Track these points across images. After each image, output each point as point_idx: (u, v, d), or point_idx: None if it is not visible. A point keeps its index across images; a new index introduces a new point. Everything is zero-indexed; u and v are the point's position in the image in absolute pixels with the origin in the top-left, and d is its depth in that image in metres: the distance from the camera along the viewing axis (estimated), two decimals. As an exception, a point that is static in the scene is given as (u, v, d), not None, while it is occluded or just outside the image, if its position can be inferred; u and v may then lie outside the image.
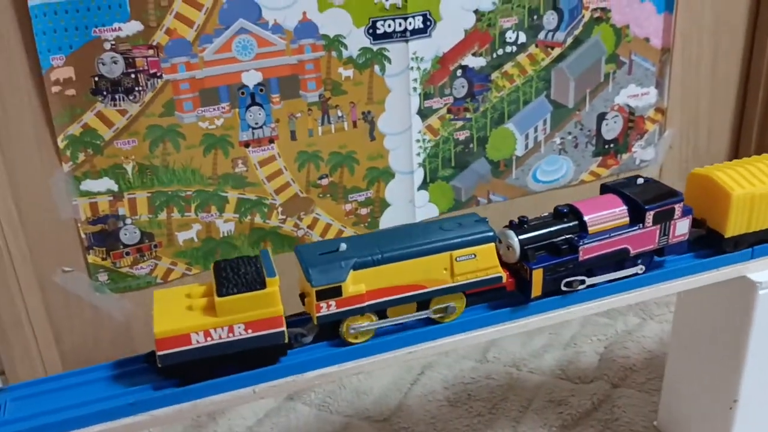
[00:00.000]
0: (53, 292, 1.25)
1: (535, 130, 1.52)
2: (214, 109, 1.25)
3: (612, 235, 0.86)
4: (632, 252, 0.88)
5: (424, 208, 1.48)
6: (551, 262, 0.84)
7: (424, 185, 1.46)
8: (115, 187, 1.24)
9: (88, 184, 1.22)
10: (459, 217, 0.84)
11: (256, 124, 1.29)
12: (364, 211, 1.44)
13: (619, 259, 0.87)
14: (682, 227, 0.89)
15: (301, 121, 1.32)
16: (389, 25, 1.31)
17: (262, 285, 0.73)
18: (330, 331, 0.79)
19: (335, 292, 0.76)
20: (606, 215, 0.87)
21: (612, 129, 1.58)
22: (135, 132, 1.21)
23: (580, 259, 0.85)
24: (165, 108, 1.22)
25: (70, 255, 1.25)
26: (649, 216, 0.87)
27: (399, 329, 0.81)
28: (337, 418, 1.20)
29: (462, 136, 1.45)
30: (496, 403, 1.21)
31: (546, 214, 0.88)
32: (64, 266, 1.25)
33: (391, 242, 0.79)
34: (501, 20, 1.39)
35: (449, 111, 1.42)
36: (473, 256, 0.80)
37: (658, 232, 0.88)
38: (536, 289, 0.84)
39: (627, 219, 0.88)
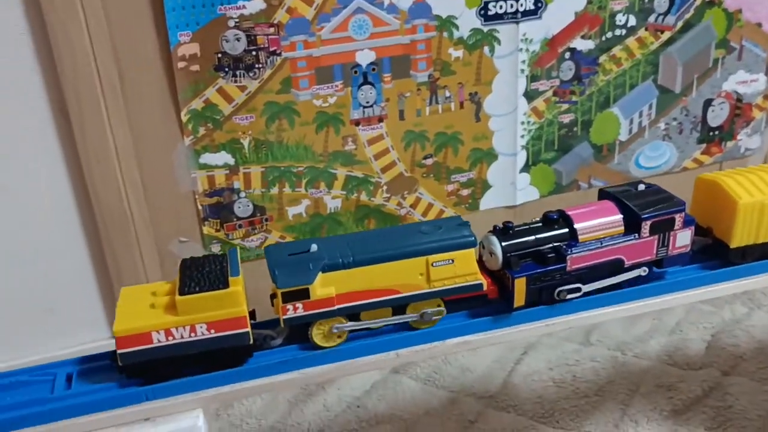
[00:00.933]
0: (170, 261, 1.30)
1: (640, 115, 1.50)
2: (328, 87, 1.28)
3: (604, 244, 0.81)
4: (627, 263, 0.83)
5: (525, 191, 1.48)
6: (535, 271, 0.79)
7: (526, 168, 1.46)
8: (232, 161, 1.28)
9: (206, 158, 1.26)
10: (441, 220, 0.81)
11: (367, 102, 1.31)
12: (465, 192, 1.45)
13: (613, 271, 0.83)
14: (683, 238, 0.83)
15: (409, 100, 1.34)
16: (501, 6, 1.31)
17: (225, 284, 0.71)
18: (301, 334, 0.77)
19: (302, 294, 0.73)
20: (599, 224, 0.82)
21: (718, 116, 1.55)
22: (253, 108, 1.25)
23: (568, 268, 0.80)
24: (282, 85, 1.25)
25: (187, 226, 1.29)
26: (646, 226, 0.81)
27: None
28: (443, 392, 1.22)
29: (566, 119, 1.45)
30: (602, 386, 1.21)
31: (536, 219, 0.83)
32: (181, 236, 1.30)
33: (365, 245, 0.77)
34: (612, 3, 1.38)
35: (555, 93, 1.42)
36: (450, 261, 0.76)
37: (656, 242, 0.83)
38: (519, 299, 0.80)
39: (622, 228, 0.82)
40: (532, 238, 0.80)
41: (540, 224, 0.82)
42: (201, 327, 0.71)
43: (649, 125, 1.51)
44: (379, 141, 1.35)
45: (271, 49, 1.22)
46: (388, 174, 1.38)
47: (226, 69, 1.21)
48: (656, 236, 0.82)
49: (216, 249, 1.33)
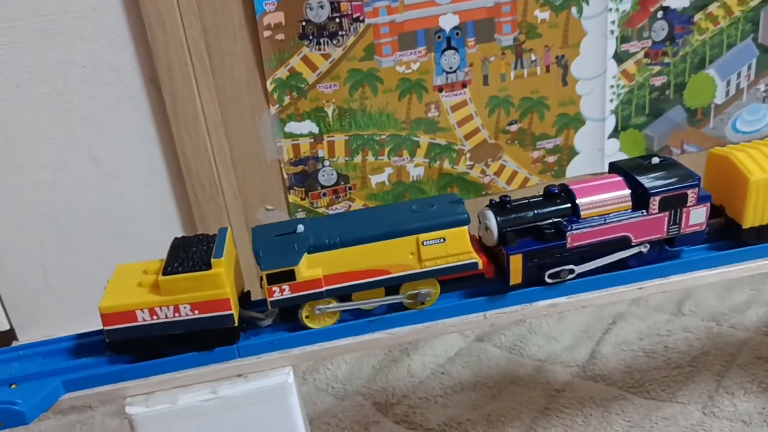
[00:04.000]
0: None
1: (738, 77, 1.42)
2: (411, 53, 1.27)
3: (608, 221, 0.76)
4: (634, 241, 0.77)
5: (614, 157, 1.43)
6: (532, 247, 0.75)
7: (615, 133, 1.42)
8: (316, 130, 1.29)
9: (291, 126, 1.28)
10: (435, 198, 0.78)
11: (450, 68, 1.29)
12: (551, 158, 1.41)
13: (619, 249, 0.77)
14: (697, 216, 0.77)
15: (494, 65, 1.31)
16: (589, -35, 1.27)
17: (207, 266, 0.70)
18: (291, 315, 0.75)
19: (287, 276, 0.71)
20: (604, 199, 0.76)
21: (825, 75, 1.45)
22: (336, 76, 1.25)
23: (568, 245, 0.75)
24: (365, 52, 1.25)
25: (273, 194, 1.32)
26: (654, 201, 0.75)
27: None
28: (529, 361, 1.20)
29: (658, 81, 1.39)
30: (695, 356, 1.16)
31: (538, 194, 0.78)
32: (267, 204, 1.32)
33: (353, 224, 0.74)
34: (708, -43, 1.31)
35: (646, 55, 1.36)
36: (442, 240, 0.73)
37: (666, 219, 0.77)
38: (515, 277, 0.75)
39: (629, 204, 0.77)
40: (531, 213, 0.76)
41: (541, 199, 0.77)
42: (185, 307, 0.71)
43: (747, 87, 1.43)
44: (462, 107, 1.33)
45: (355, 16, 1.22)
46: (471, 141, 1.36)
47: (310, 37, 1.22)
48: (667, 213, 0.76)
49: (302, 217, 1.35)
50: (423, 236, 0.73)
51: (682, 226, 0.77)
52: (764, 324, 1.22)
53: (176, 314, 0.71)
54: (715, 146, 0.85)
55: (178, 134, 1.18)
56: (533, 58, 1.32)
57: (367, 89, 1.27)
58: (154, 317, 0.71)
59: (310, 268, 0.72)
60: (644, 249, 0.78)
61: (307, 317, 0.75)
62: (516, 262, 0.74)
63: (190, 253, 0.72)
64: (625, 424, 1.05)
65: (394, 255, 0.73)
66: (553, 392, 1.13)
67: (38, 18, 1.10)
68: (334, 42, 1.23)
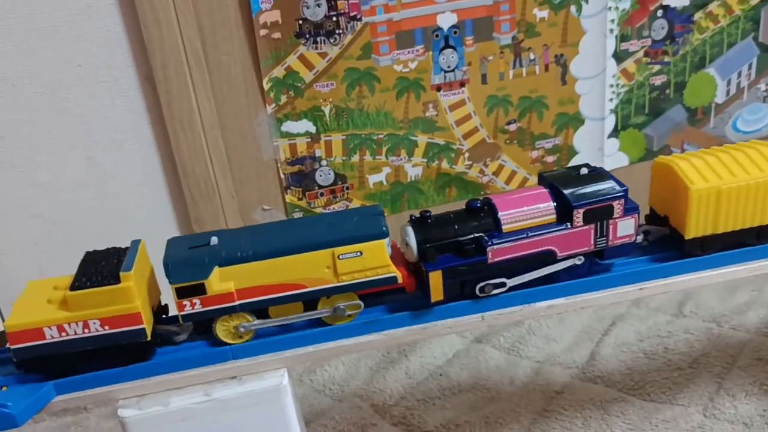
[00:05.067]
0: (254, 229, 1.32)
1: (739, 76, 1.41)
2: (409, 52, 1.26)
3: (531, 234, 0.74)
4: (560, 255, 0.75)
5: (613, 157, 1.43)
6: (452, 264, 0.73)
7: (614, 133, 1.41)
8: (313, 129, 1.28)
9: (288, 126, 1.27)
10: (357, 209, 0.77)
11: (449, 67, 1.28)
12: (550, 158, 1.40)
13: (545, 263, 0.75)
14: (625, 228, 0.75)
15: (492, 64, 1.30)
16: (588, -37, 1.26)
17: (116, 280, 0.68)
18: (206, 329, 0.73)
19: (198, 289, 0.69)
20: (526, 212, 0.74)
21: (826, 74, 1.44)
22: (333, 75, 1.24)
23: (490, 261, 0.73)
24: (363, 51, 1.24)
25: (270, 194, 1.31)
26: (578, 214, 0.73)
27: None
28: (528, 362, 1.19)
29: (658, 80, 1.38)
30: (696, 358, 1.15)
31: (460, 209, 0.76)
32: (264, 204, 1.31)
33: (268, 237, 0.72)
34: (709, -45, 1.30)
35: (646, 54, 1.35)
36: (359, 253, 0.71)
37: (593, 232, 0.75)
38: (436, 294, 0.73)
39: (554, 217, 0.74)
40: (452, 228, 0.74)
41: (463, 214, 0.75)
42: (94, 323, 0.69)
43: (748, 86, 1.42)
44: (461, 106, 1.32)
45: (352, 14, 1.21)
46: (470, 140, 1.35)
47: (307, 36, 1.21)
48: (592, 225, 0.74)
49: (298, 216, 1.34)
50: (338, 250, 0.71)
51: (610, 238, 0.75)
52: (765, 325, 1.21)
53: (86, 330, 0.69)
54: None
55: (173, 133, 1.17)
56: (532, 57, 1.31)
57: (364, 88, 1.26)
58: (63, 334, 0.69)
59: (221, 281, 0.70)
60: (578, 261, 0.76)
61: (223, 329, 0.73)
62: (435, 278, 0.73)
63: (99, 267, 0.70)
64: (624, 427, 1.04)
65: (309, 269, 0.71)
66: (552, 394, 1.12)
67: (33, 16, 1.09)
68: (331, 40, 1.22)
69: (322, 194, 1.33)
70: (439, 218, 0.75)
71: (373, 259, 0.72)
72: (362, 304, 0.74)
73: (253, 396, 0.73)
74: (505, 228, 0.74)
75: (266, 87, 1.23)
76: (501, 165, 1.38)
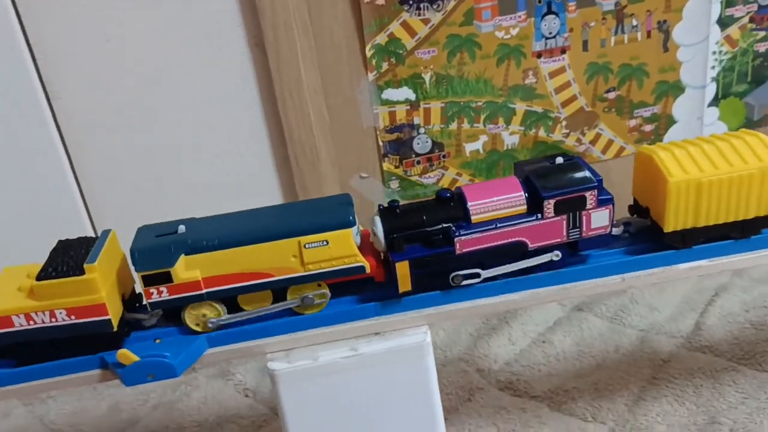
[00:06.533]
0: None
1: None
2: (511, 18, 1.25)
3: (499, 225, 0.73)
4: (531, 246, 0.74)
5: (713, 126, 1.40)
6: (419, 254, 0.72)
7: (714, 101, 1.38)
8: (413, 97, 1.28)
9: (388, 93, 1.27)
10: (326, 198, 0.76)
11: (550, 33, 1.27)
12: (648, 127, 1.38)
13: (517, 255, 0.74)
14: (599, 219, 0.74)
15: (594, 30, 1.28)
16: (698, -75, 1.23)
17: (80, 271, 0.69)
18: (175, 317, 0.74)
19: (164, 277, 0.70)
20: (495, 202, 0.73)
21: None
22: (435, 41, 1.24)
23: (458, 252, 0.72)
24: (465, 17, 1.23)
25: (368, 161, 1.31)
26: (549, 205, 0.72)
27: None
28: (632, 331, 1.18)
29: (763, 47, 1.34)
30: (807, 329, 1.14)
31: (430, 198, 0.76)
32: (361, 172, 1.32)
33: (235, 225, 0.72)
34: None
35: (752, 20, 1.32)
36: (325, 242, 0.71)
37: (565, 223, 0.73)
38: (404, 284, 0.73)
39: (524, 207, 0.73)
40: (420, 218, 0.73)
41: (433, 203, 0.74)
42: (60, 313, 0.70)
43: None
44: (560, 74, 1.31)
45: (456, -20, 1.20)
46: (568, 108, 1.34)
47: (411, 2, 1.20)
48: (564, 216, 0.73)
49: (394, 186, 1.34)
50: (304, 239, 0.71)
51: (584, 229, 0.74)
52: None
53: (53, 319, 0.70)
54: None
55: (281, 99, 1.18)
56: (634, 23, 1.29)
57: (465, 55, 1.26)
58: (31, 323, 0.70)
59: (188, 270, 0.71)
60: (555, 257, 0.75)
61: (191, 316, 0.73)
62: (402, 268, 0.72)
63: (67, 258, 0.71)
64: (738, 396, 1.03)
65: (275, 257, 0.71)
66: (660, 362, 1.11)
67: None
68: (434, 6, 1.21)
69: (418, 162, 1.34)
70: (407, 208, 0.74)
71: (340, 249, 0.72)
72: (329, 293, 0.74)
73: (398, 352, 0.74)
74: (473, 218, 0.73)
75: (368, 54, 1.23)
76: (598, 134, 1.37)
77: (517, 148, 1.35)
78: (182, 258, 0.70)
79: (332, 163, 1.28)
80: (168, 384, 1.22)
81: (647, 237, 0.79)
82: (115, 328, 0.71)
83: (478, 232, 0.72)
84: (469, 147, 1.34)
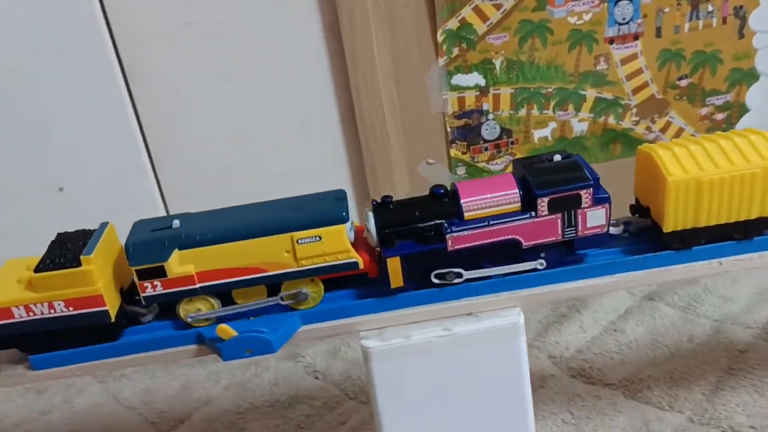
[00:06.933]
0: (418, 182, 1.33)
1: None
2: (584, 3, 1.23)
3: (492, 223, 0.71)
4: (525, 244, 0.72)
5: (787, 115, 1.37)
6: (410, 250, 0.71)
7: (790, 89, 1.35)
8: (483, 82, 1.27)
9: (458, 79, 1.27)
10: (321, 193, 0.75)
11: (623, 19, 1.25)
12: (720, 116, 1.36)
13: (512, 253, 0.73)
14: (595, 218, 0.72)
15: (668, 16, 1.26)
16: None
17: (77, 263, 0.69)
18: (170, 311, 0.74)
19: (158, 272, 0.70)
20: (489, 199, 0.72)
21: None
22: (507, 27, 1.23)
23: (450, 249, 0.71)
24: (537, 2, 1.22)
25: (435, 147, 1.31)
26: (542, 203, 0.71)
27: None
28: (706, 321, 1.17)
29: (842, 34, 1.31)
30: None
31: (424, 194, 0.74)
32: (429, 158, 1.32)
33: (229, 220, 0.72)
34: None
35: (832, 5, 1.29)
36: (318, 238, 0.70)
37: (559, 222, 0.72)
38: (395, 280, 0.72)
39: (518, 205, 0.72)
40: (413, 214, 0.72)
41: (427, 199, 0.73)
42: (59, 304, 0.70)
43: None
44: (632, 60, 1.29)
45: (531, -36, 1.19)
46: (638, 96, 1.32)
47: (484, -13, 1.20)
48: (558, 215, 0.71)
49: (461, 172, 1.34)
50: (297, 234, 0.70)
51: (579, 228, 0.72)
52: None
53: (51, 311, 0.71)
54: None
55: (355, 84, 1.18)
56: (710, 8, 1.26)
57: (536, 40, 1.25)
58: (30, 314, 0.71)
59: (181, 264, 0.71)
60: (540, 266, 0.74)
61: (185, 311, 0.74)
62: (394, 264, 0.71)
63: (65, 250, 0.72)
64: (820, 387, 1.01)
65: (268, 253, 0.71)
66: (736, 353, 1.10)
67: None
68: (508, -9, 1.21)
69: (486, 149, 1.33)
70: (401, 204, 0.74)
71: (333, 244, 0.71)
72: (323, 288, 0.74)
73: (491, 333, 0.74)
74: (466, 215, 0.72)
75: (440, 39, 1.23)
76: (668, 121, 1.35)
77: (585, 136, 1.34)
78: (176, 252, 0.70)
79: (401, 149, 1.28)
80: (238, 365, 1.24)
81: (647, 237, 0.77)
82: (113, 319, 0.72)
83: (470, 229, 0.72)
84: (537, 134, 1.33)
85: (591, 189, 0.71)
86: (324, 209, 0.72)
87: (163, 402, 1.18)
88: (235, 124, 1.22)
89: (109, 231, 0.76)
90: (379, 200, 0.74)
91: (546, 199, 0.71)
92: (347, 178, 1.28)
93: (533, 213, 0.71)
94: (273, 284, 0.73)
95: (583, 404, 1.04)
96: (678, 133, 1.36)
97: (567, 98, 1.30)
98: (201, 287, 0.72)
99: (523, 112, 1.30)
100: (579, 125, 1.33)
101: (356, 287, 0.76)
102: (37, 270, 0.70)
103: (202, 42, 1.16)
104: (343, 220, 0.71)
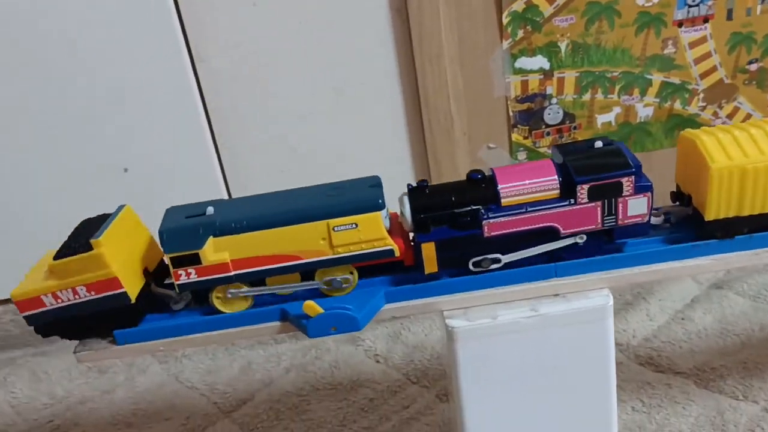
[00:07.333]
0: (479, 166, 1.31)
1: None
2: (654, -15, 1.21)
3: (530, 209, 0.69)
4: (563, 232, 0.70)
5: None
6: (445, 236, 0.69)
7: None
8: (547, 66, 1.25)
9: (522, 62, 1.25)
10: (356, 180, 0.73)
11: (693, 1, 1.22)
12: (789, 101, 1.33)
13: (548, 241, 0.70)
14: (636, 206, 0.69)
15: (740, -2, 1.23)
16: None
17: (88, 247, 0.69)
18: (203, 298, 0.73)
19: (193, 259, 0.69)
20: (527, 185, 0.69)
21: None
22: (574, 9, 1.21)
23: (486, 235, 0.69)
24: (606, -17, 1.20)
25: (497, 132, 1.30)
26: (582, 190, 0.68)
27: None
28: (778, 310, 1.15)
29: None
30: None
31: (461, 180, 0.72)
32: (490, 142, 1.30)
33: (264, 207, 0.71)
34: None
35: None
36: (354, 225, 0.69)
37: (599, 210, 0.69)
38: (430, 266, 0.70)
39: (558, 192, 0.69)
40: (449, 199, 0.70)
41: (464, 184, 0.71)
42: (81, 289, 0.70)
43: None
44: (701, 44, 1.26)
45: (600, -55, 1.17)
46: (706, 80, 1.29)
47: (552, -32, 1.18)
48: (598, 203, 0.69)
49: (522, 157, 1.32)
50: (333, 221, 0.69)
51: (620, 217, 0.70)
52: None
53: (76, 296, 0.71)
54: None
55: (421, 66, 1.17)
56: (784, -10, 1.23)
57: (604, 23, 1.23)
58: (59, 301, 0.71)
59: (216, 252, 0.70)
60: (580, 240, 0.71)
61: (218, 299, 0.72)
62: (428, 250, 0.70)
63: (82, 235, 0.72)
64: None
65: (304, 240, 0.70)
66: (811, 343, 1.07)
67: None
68: (576, -28, 1.19)
69: (548, 133, 1.31)
70: (437, 188, 0.71)
71: (369, 232, 0.70)
72: (357, 276, 0.72)
73: (579, 314, 0.72)
74: (504, 201, 0.70)
75: (505, 21, 1.21)
76: (736, 107, 1.32)
77: (650, 121, 1.32)
78: (211, 240, 0.69)
79: (463, 133, 1.26)
80: (298, 347, 1.24)
81: (688, 226, 0.75)
82: (133, 300, 0.72)
83: (507, 215, 0.69)
84: (601, 118, 1.31)
85: (633, 177, 0.68)
86: (360, 196, 0.70)
87: (224, 383, 1.19)
88: (298, 105, 1.21)
89: (125, 213, 0.75)
90: (414, 184, 0.72)
91: (586, 186, 0.68)
92: (408, 162, 1.27)
93: (572, 200, 0.69)
94: (306, 271, 0.72)
95: (654, 392, 1.02)
96: (746, 120, 1.33)
97: (633, 82, 1.28)
98: (236, 275, 0.71)
99: (587, 96, 1.28)
100: (644, 110, 1.31)
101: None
102: (55, 257, 0.71)
103: (267, 23, 1.15)
104: (379, 207, 0.69)
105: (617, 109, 1.30)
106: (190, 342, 0.75)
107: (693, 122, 1.32)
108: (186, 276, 0.70)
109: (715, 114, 1.32)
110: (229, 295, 0.72)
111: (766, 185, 0.69)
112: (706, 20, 1.24)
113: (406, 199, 0.71)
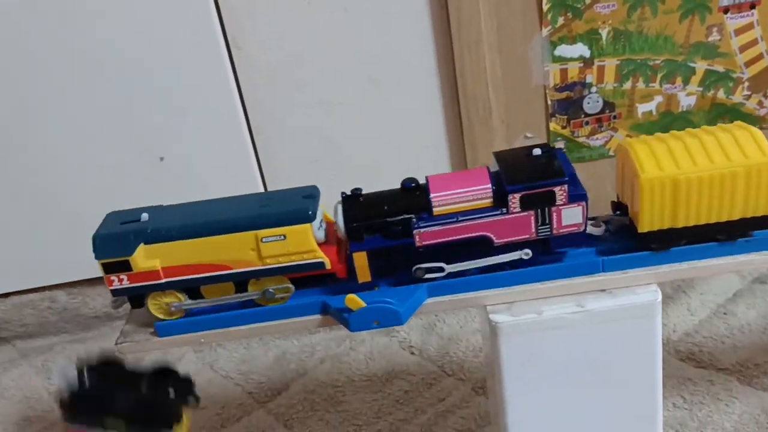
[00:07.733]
0: (515, 157, 1.30)
1: None
2: (700, -30, 1.17)
3: (461, 219, 0.68)
4: (496, 242, 0.69)
5: None
6: (377, 245, 0.68)
7: None
8: (587, 53, 1.23)
9: (562, 50, 1.22)
10: (292, 190, 0.72)
11: (740, -13, 1.19)
12: (838, 90, 1.28)
13: (483, 250, 0.69)
14: (571, 216, 0.68)
15: (789, -17, 1.19)
16: None
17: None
18: (140, 303, 0.73)
19: (123, 266, 0.69)
20: (459, 194, 0.68)
21: None
22: (616, -5, 1.18)
23: (417, 244, 0.68)
24: (650, -31, 1.17)
25: (535, 121, 1.28)
26: (514, 199, 0.67)
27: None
28: (825, 306, 1.12)
29: None
30: None
31: (395, 188, 0.71)
32: (527, 132, 1.28)
33: (197, 215, 0.70)
34: None
35: None
36: (282, 237, 0.68)
37: (533, 219, 0.68)
38: (362, 275, 0.69)
39: (490, 201, 0.68)
40: (381, 208, 0.69)
41: (397, 192, 0.70)
42: None
43: None
44: (747, 31, 1.22)
45: (644, -71, 1.14)
46: (751, 69, 1.26)
47: (594, -47, 1.15)
48: (532, 212, 0.68)
49: (560, 147, 1.30)
50: (262, 233, 0.68)
51: (554, 226, 0.68)
52: None
53: None
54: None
55: (459, 54, 1.16)
56: (835, -25, 1.19)
57: (647, 9, 1.19)
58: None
59: (147, 258, 0.70)
60: (525, 257, 0.70)
61: (154, 305, 0.72)
62: (360, 259, 0.69)
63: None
64: None
65: (233, 250, 0.70)
66: None
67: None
68: (619, -42, 1.16)
69: (587, 123, 1.29)
70: (371, 197, 0.71)
71: (297, 244, 0.69)
72: (292, 287, 0.72)
73: (627, 310, 0.70)
74: (435, 210, 0.69)
75: (545, 7, 1.19)
76: (782, 96, 1.28)
77: (692, 111, 1.28)
78: (141, 247, 0.70)
79: (501, 121, 1.24)
80: (332, 338, 1.23)
81: (626, 236, 0.73)
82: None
83: (438, 224, 0.69)
84: (641, 108, 1.28)
85: (566, 186, 0.67)
86: (290, 208, 0.70)
87: (259, 373, 1.19)
88: (334, 95, 1.20)
89: None
90: (348, 192, 0.71)
91: (518, 195, 0.67)
92: (445, 151, 1.26)
93: (505, 209, 0.68)
94: (238, 281, 0.72)
95: (696, 389, 1.00)
96: (791, 109, 1.29)
97: (675, 71, 1.25)
98: (167, 282, 0.71)
99: (628, 84, 1.25)
100: (686, 99, 1.28)
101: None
102: None
103: (303, 12, 1.14)
104: (309, 219, 0.69)
105: (659, 98, 1.27)
106: (231, 334, 0.75)
107: (737, 111, 1.28)
108: (119, 282, 0.71)
109: (760, 103, 1.28)
110: (173, 309, 0.73)
111: (699, 197, 0.68)
112: (753, 6, 1.20)
113: (339, 208, 0.70)
